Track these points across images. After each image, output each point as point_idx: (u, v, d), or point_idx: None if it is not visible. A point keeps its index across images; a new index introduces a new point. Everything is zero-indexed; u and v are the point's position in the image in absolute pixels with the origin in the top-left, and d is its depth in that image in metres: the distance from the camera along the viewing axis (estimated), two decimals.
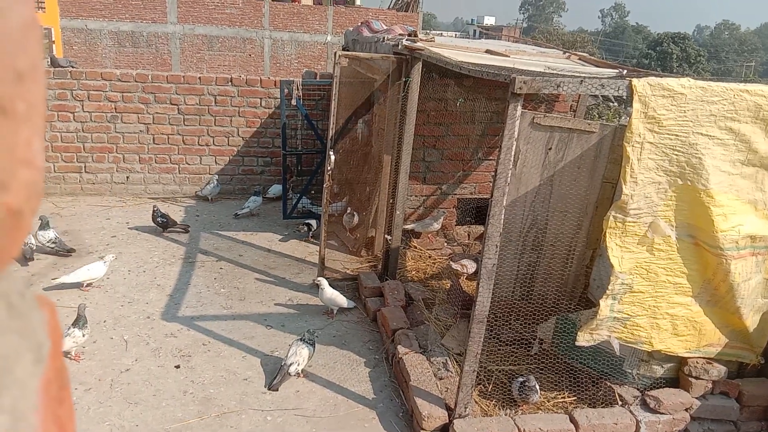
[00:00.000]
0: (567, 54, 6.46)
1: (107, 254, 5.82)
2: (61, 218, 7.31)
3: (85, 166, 8.20)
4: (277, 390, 4.34)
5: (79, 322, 4.44)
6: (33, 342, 0.27)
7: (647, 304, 3.94)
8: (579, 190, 4.75)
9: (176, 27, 21.79)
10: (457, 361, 4.56)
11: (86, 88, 7.94)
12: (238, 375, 4.52)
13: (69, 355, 4.47)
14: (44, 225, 6.13)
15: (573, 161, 4.71)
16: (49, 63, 8.87)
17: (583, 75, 4.10)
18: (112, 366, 4.50)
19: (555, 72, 4.51)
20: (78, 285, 5.54)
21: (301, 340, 4.50)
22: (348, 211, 6.93)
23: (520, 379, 4.13)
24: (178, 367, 4.56)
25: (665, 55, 48.80)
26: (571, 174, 4.74)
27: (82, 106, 7.98)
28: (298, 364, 4.39)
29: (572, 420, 3.91)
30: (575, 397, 4.28)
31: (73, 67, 8.43)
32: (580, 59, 6.09)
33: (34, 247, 6.07)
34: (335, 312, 5.44)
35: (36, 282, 5.59)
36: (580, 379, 4.37)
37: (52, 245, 6.15)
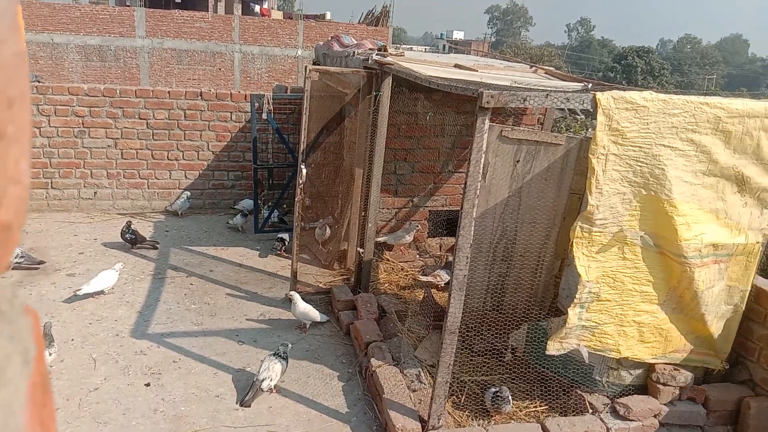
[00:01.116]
0: (534, 68, 6.59)
1: (117, 263, 5.97)
2: (27, 235, 7.16)
3: (51, 182, 8.07)
4: (249, 406, 4.30)
5: (45, 340, 4.36)
6: (21, 346, 0.29)
7: (614, 312, 4.02)
8: (547, 201, 4.83)
9: (145, 41, 21.61)
10: (430, 373, 4.58)
11: (53, 103, 7.83)
12: (209, 392, 4.47)
13: None
14: None
15: (541, 173, 4.80)
16: None
17: (549, 89, 4.20)
18: (81, 385, 4.41)
19: (522, 86, 4.60)
20: (95, 294, 5.69)
21: (273, 354, 4.47)
22: (320, 225, 6.93)
23: (493, 390, 4.17)
24: (148, 385, 4.49)
25: (630, 68, 50.00)
26: (539, 185, 4.83)
27: (49, 121, 7.86)
28: (271, 380, 4.36)
29: (544, 429, 3.96)
30: (547, 406, 4.33)
31: (39, 81, 8.31)
32: (546, 73, 6.22)
33: None
34: (308, 326, 5.42)
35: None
36: (552, 387, 4.43)
37: (21, 260, 6.05)
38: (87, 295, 5.64)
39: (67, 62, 20.98)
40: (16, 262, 6.04)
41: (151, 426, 4.05)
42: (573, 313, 3.96)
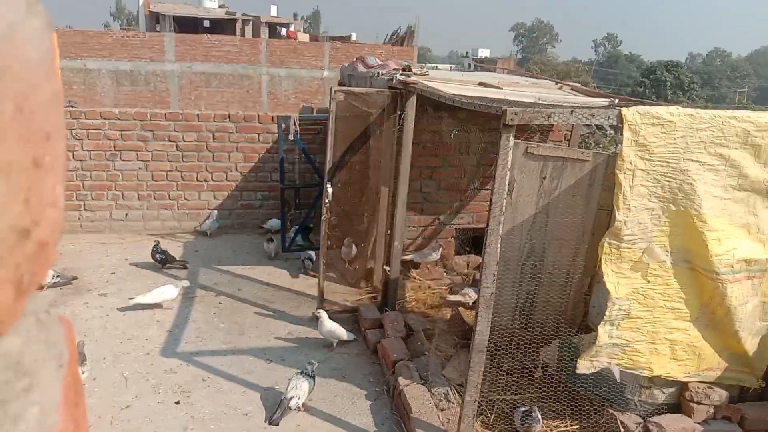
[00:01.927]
0: (559, 84, 6.58)
1: (182, 281, 6.21)
2: (61, 256, 7.34)
3: (84, 204, 8.27)
4: (277, 424, 4.32)
5: (78, 359, 4.44)
6: (56, 351, 0.32)
7: (645, 330, 3.95)
8: (575, 217, 4.80)
9: (174, 65, 22.11)
10: (458, 392, 4.55)
11: (85, 127, 8.05)
12: (238, 410, 4.50)
13: None
14: None
15: (568, 189, 4.78)
16: None
17: (575, 105, 4.19)
18: (112, 403, 4.48)
19: (547, 103, 4.60)
20: (153, 306, 5.92)
21: (301, 373, 4.49)
22: (346, 243, 6.97)
23: (522, 409, 4.12)
24: (178, 403, 4.55)
25: (659, 82, 49.43)
26: (567, 202, 4.80)
27: (82, 144, 8.08)
28: (299, 398, 4.38)
29: None
30: (578, 426, 4.26)
31: (72, 106, 8.56)
32: (572, 89, 6.20)
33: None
34: (335, 345, 5.44)
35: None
36: (582, 406, 4.36)
37: (57, 279, 6.25)
38: (141, 306, 5.90)
39: (99, 87, 21.56)
40: (53, 282, 6.23)
41: None
42: (603, 331, 3.90)
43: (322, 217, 5.82)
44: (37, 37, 0.26)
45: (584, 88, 6.50)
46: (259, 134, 8.50)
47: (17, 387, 0.28)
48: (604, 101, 5.25)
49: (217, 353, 5.30)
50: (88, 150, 8.12)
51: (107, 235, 8.26)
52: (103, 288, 6.51)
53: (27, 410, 0.28)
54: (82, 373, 4.45)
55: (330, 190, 5.77)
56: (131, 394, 4.62)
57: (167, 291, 5.98)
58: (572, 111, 3.64)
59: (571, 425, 4.28)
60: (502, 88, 5.67)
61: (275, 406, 4.46)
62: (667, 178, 3.72)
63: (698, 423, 4.13)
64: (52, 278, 6.24)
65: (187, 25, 29.77)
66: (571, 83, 6.86)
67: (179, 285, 6.07)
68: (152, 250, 7.00)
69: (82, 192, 8.23)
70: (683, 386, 4.23)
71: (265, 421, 4.36)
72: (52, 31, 0.28)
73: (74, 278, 6.51)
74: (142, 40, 21.79)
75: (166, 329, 5.67)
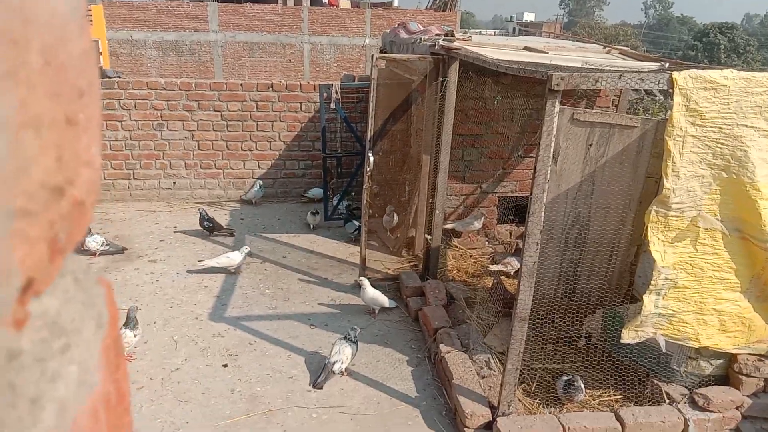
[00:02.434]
0: (607, 48, 6.36)
1: (244, 246, 6.36)
2: (112, 223, 7.58)
3: (133, 173, 8.48)
4: (321, 388, 4.41)
5: (130, 323, 4.60)
6: (94, 311, 0.32)
7: (693, 300, 3.86)
8: (622, 185, 4.68)
9: (218, 35, 22.24)
10: (499, 360, 4.55)
11: (133, 98, 8.21)
12: (283, 373, 4.61)
13: None
14: (88, 232, 6.41)
15: (615, 156, 4.65)
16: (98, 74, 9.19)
17: (623, 69, 4.05)
18: (163, 365, 4.65)
19: (593, 67, 4.46)
20: (222, 270, 6.19)
21: (344, 338, 4.57)
22: (388, 212, 6.98)
23: (565, 378, 4.10)
24: (225, 366, 4.69)
25: (712, 46, 47.24)
26: (614, 169, 4.68)
27: (129, 114, 8.25)
28: (342, 363, 4.46)
29: (618, 418, 3.87)
30: (621, 395, 4.22)
31: (120, 77, 8.72)
32: (620, 53, 5.99)
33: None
34: (377, 311, 5.49)
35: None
36: (626, 376, 4.31)
37: (106, 247, 6.45)
38: (209, 268, 6.16)
39: (145, 58, 21.88)
40: (102, 249, 6.44)
41: (229, 405, 4.23)
42: (649, 301, 3.83)
43: (364, 186, 5.83)
44: None
45: (633, 51, 6.27)
46: (301, 103, 8.52)
47: (54, 346, 0.28)
48: (654, 65, 5.05)
49: (262, 318, 5.42)
50: (135, 120, 8.29)
51: (156, 203, 8.48)
52: (152, 254, 6.71)
53: (65, 369, 0.29)
54: (134, 336, 4.62)
55: (371, 158, 5.76)
56: (181, 356, 4.78)
57: (233, 256, 6.17)
58: (621, 75, 3.51)
59: (615, 395, 4.25)
60: (547, 53, 5.51)
61: (319, 370, 4.55)
62: (720, 145, 3.58)
63: (747, 396, 4.04)
64: (102, 245, 6.44)
65: None
66: (620, 47, 6.62)
67: (243, 251, 6.21)
68: (200, 218, 7.15)
69: (131, 161, 8.44)
70: (732, 358, 4.13)
71: (310, 385, 4.46)
72: None
73: (124, 249, 6.71)
74: (186, 10, 21.94)
75: (214, 294, 5.82)
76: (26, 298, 0.26)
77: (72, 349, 0.29)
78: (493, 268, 6.02)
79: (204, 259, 6.26)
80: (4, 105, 0.23)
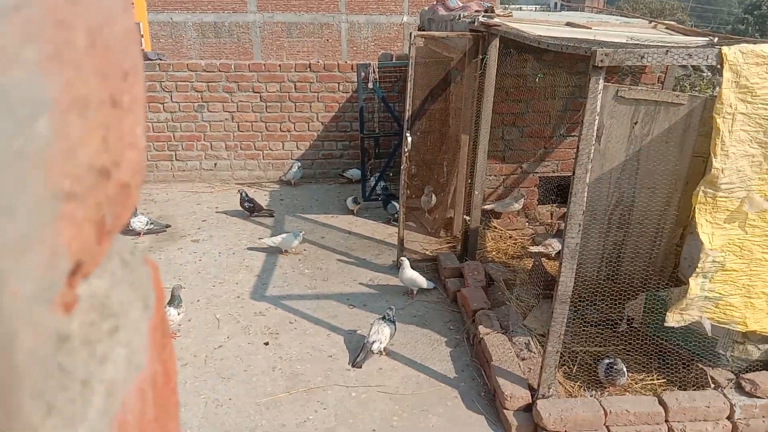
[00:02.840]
0: (653, 23, 6.15)
1: (299, 229, 6.49)
2: (155, 204, 7.75)
3: (175, 154, 8.64)
4: (360, 367, 4.46)
5: (174, 301, 4.72)
6: (141, 292, 0.33)
7: (741, 283, 3.74)
8: (667, 165, 4.55)
9: (256, 15, 22.32)
10: (540, 342, 4.52)
11: (174, 80, 8.33)
12: (323, 352, 4.67)
13: None
14: (133, 213, 6.59)
15: (661, 135, 4.52)
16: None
17: (669, 45, 3.91)
18: (206, 343, 4.77)
19: (639, 43, 4.32)
20: (276, 250, 6.34)
21: (382, 318, 4.59)
22: (426, 192, 6.95)
23: (607, 361, 4.04)
24: (266, 344, 4.77)
25: (764, 18, 45.18)
26: (659, 148, 4.55)
27: (171, 96, 8.38)
28: (381, 342, 4.49)
29: (661, 402, 3.80)
30: (665, 380, 4.15)
31: (161, 59, 8.85)
32: (667, 28, 5.79)
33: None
34: (415, 292, 5.50)
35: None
36: (670, 360, 4.23)
37: (150, 226, 6.62)
38: (267, 247, 6.34)
39: (185, 39, 22.13)
40: (147, 229, 6.61)
41: (270, 382, 4.31)
42: (695, 284, 3.73)
43: (402, 167, 5.81)
44: None
45: (680, 26, 6.05)
46: (339, 83, 8.51)
47: (103, 328, 0.28)
48: (702, 40, 4.86)
49: (302, 297, 5.49)
50: (177, 102, 8.42)
51: (197, 184, 8.63)
52: (195, 234, 6.84)
53: (114, 351, 0.29)
54: (178, 314, 4.74)
55: (409, 138, 5.73)
56: (223, 334, 4.89)
57: (289, 238, 6.27)
58: (667, 51, 3.39)
59: (658, 379, 4.17)
60: (591, 28, 5.36)
61: (358, 349, 4.60)
62: None
63: None
64: (146, 225, 6.61)
65: None
66: (666, 21, 6.39)
67: (299, 234, 6.30)
68: (240, 199, 7.25)
69: (173, 143, 8.59)
70: None
71: (349, 364, 4.51)
72: None
73: (168, 226, 6.87)
74: None
75: (255, 274, 5.92)
76: (75, 280, 0.26)
77: (120, 330, 0.29)
78: (533, 249, 5.95)
79: (263, 238, 6.44)
80: (51, 86, 0.23)
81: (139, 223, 6.56)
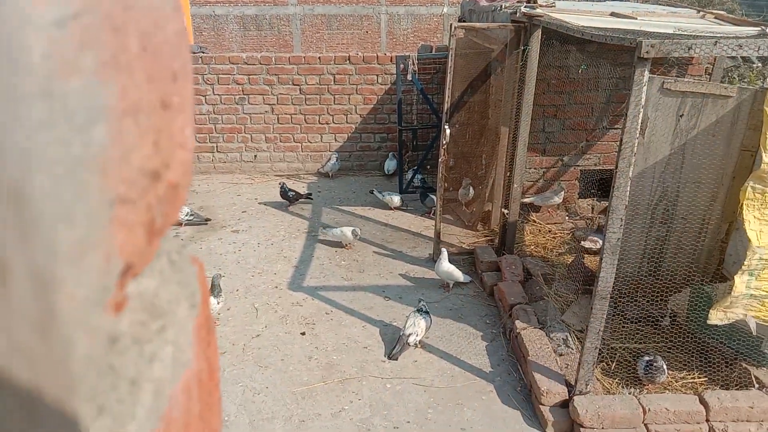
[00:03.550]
0: (701, 13, 5.96)
1: (356, 226, 6.44)
2: (197, 195, 7.89)
3: (216, 146, 8.77)
4: (396, 359, 4.47)
5: (214, 290, 4.81)
6: (188, 291, 0.33)
7: None
8: (714, 159, 4.42)
9: (296, 8, 22.43)
10: (578, 338, 4.46)
11: (216, 72, 8.45)
12: (358, 343, 4.70)
13: None
14: None
15: (707, 128, 4.39)
16: None
17: (719, 35, 3.78)
18: (245, 332, 4.85)
19: (686, 33, 4.19)
20: (336, 243, 6.38)
21: (418, 311, 4.59)
22: (464, 185, 6.90)
23: (647, 359, 3.96)
24: (303, 333, 4.83)
25: None
26: (706, 142, 4.42)
27: (213, 89, 8.51)
28: (417, 335, 4.49)
29: (702, 401, 3.71)
30: (706, 378, 4.05)
31: (204, 52, 8.98)
32: (716, 18, 5.60)
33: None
34: (451, 285, 5.48)
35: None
36: (712, 359, 4.12)
37: (190, 217, 6.73)
38: (327, 240, 6.41)
39: (227, 32, 22.39)
40: (187, 220, 6.74)
41: (306, 372, 4.36)
42: (740, 281, 3.62)
43: (440, 159, 5.78)
44: None
45: (730, 16, 5.84)
46: (377, 75, 8.51)
47: (152, 327, 0.29)
48: (752, 30, 4.69)
49: (338, 289, 5.53)
50: (218, 94, 8.54)
51: (237, 175, 8.75)
52: (235, 225, 6.95)
53: (162, 350, 0.30)
54: (218, 303, 4.83)
55: (448, 131, 5.69)
56: (261, 324, 4.96)
57: (347, 232, 6.27)
58: (716, 42, 3.28)
59: (699, 377, 4.07)
60: (636, 19, 5.23)
61: (394, 341, 4.61)
62: None
63: None
64: (186, 215, 6.73)
65: None
66: (715, 11, 6.19)
67: (357, 231, 6.30)
68: (282, 190, 7.31)
69: (214, 135, 8.72)
70: None
71: (385, 356, 4.53)
72: None
73: (208, 220, 6.97)
74: None
75: (293, 264, 5.98)
76: (125, 281, 0.26)
77: (168, 329, 0.30)
78: (586, 244, 5.88)
79: (324, 230, 6.46)
80: (107, 93, 0.24)
81: (180, 213, 6.71)
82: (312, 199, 7.54)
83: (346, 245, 6.38)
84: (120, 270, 0.25)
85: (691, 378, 4.08)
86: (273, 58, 8.51)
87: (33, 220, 0.21)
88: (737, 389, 3.86)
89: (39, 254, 0.21)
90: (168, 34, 0.28)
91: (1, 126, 0.20)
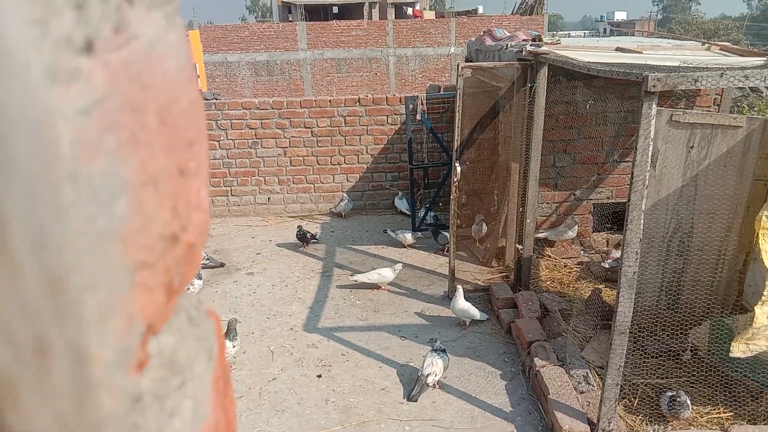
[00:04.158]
0: (706, 45, 6.02)
1: (398, 263, 6.40)
2: (212, 238, 7.96)
3: (231, 190, 8.88)
4: (416, 401, 4.40)
5: (230, 334, 4.81)
6: (206, 345, 0.34)
7: None
8: (727, 189, 4.40)
9: (306, 53, 22.93)
10: (598, 374, 4.38)
11: (229, 118, 8.61)
12: (375, 385, 4.65)
13: None
14: None
15: (719, 159, 4.38)
16: None
17: (725, 66, 3.82)
18: (260, 375, 4.81)
19: (692, 66, 4.23)
20: (371, 286, 6.23)
21: (434, 350, 4.54)
22: (477, 221, 6.90)
23: (669, 394, 3.88)
24: (319, 376, 4.79)
25: None
26: (718, 172, 4.41)
27: (226, 134, 8.66)
28: (436, 375, 4.43)
29: None
30: (732, 413, 3.95)
31: (216, 99, 9.17)
32: (721, 49, 5.65)
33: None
34: (468, 324, 5.43)
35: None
36: (737, 392, 4.03)
37: (206, 261, 6.76)
38: (360, 283, 6.19)
39: (239, 78, 22.89)
40: (203, 264, 6.77)
41: (323, 415, 4.31)
42: (761, 312, 3.56)
43: (452, 196, 5.80)
44: (175, 49, 0.28)
45: (735, 47, 5.89)
46: (387, 116, 8.63)
47: (172, 383, 0.30)
48: (759, 60, 4.73)
49: (354, 329, 5.50)
50: (232, 139, 8.69)
51: (252, 218, 8.82)
52: (249, 267, 6.98)
53: (181, 404, 0.31)
54: (233, 347, 4.82)
55: (458, 168, 5.73)
56: (277, 366, 4.93)
57: (385, 272, 6.17)
58: (722, 73, 3.31)
59: (725, 412, 3.97)
60: (642, 53, 5.29)
61: (411, 382, 4.55)
62: None
63: None
64: (203, 260, 6.78)
65: (317, 12, 30.72)
66: (720, 42, 6.24)
67: (396, 268, 6.22)
68: (300, 233, 7.36)
69: (228, 179, 8.84)
70: None
71: (404, 397, 4.47)
72: (188, 40, 0.30)
73: (222, 264, 7.00)
74: (276, 30, 22.79)
75: (307, 306, 5.97)
76: (146, 340, 0.28)
77: (187, 384, 0.31)
78: (605, 264, 5.97)
79: (355, 275, 6.26)
80: (127, 169, 0.25)
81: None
82: (318, 240, 7.60)
83: (383, 287, 6.28)
84: (142, 331, 0.27)
85: (717, 413, 3.98)
86: (285, 102, 8.67)
87: (64, 294, 0.22)
88: (765, 424, 3.75)
89: (71, 326, 0.23)
90: (183, 105, 0.29)
91: (40, 211, 0.22)
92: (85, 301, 0.23)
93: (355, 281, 6.16)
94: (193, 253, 0.32)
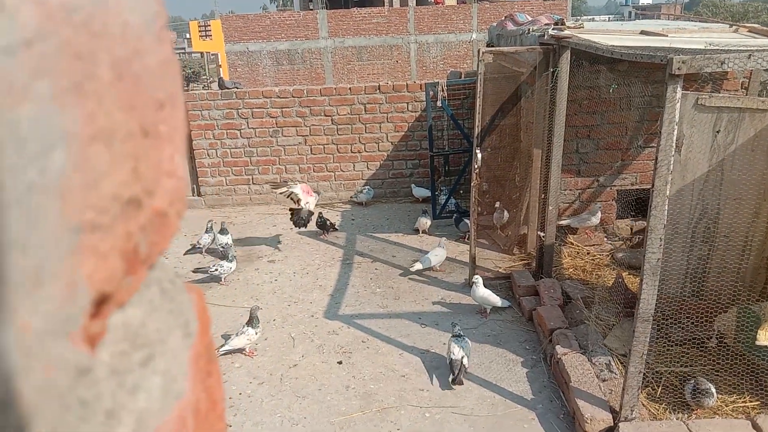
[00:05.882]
0: (734, 27, 5.86)
1: (441, 239, 6.48)
2: (234, 226, 8.01)
3: (252, 178, 8.92)
4: (462, 383, 4.35)
5: (252, 321, 4.85)
6: (182, 320, 0.33)
7: None
8: (754, 174, 4.30)
9: (327, 41, 22.88)
10: (621, 362, 4.33)
11: (250, 107, 8.64)
12: (396, 371, 4.65)
13: (244, 352, 4.90)
14: (224, 230, 6.86)
15: (746, 143, 4.28)
16: (218, 85, 9.77)
17: (752, 48, 3.71)
18: (282, 361, 4.85)
19: (719, 48, 4.12)
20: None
21: (456, 336, 4.51)
22: (498, 208, 6.85)
23: (693, 382, 3.82)
24: (340, 363, 4.81)
25: None
26: (745, 157, 4.30)
27: (247, 123, 8.69)
28: (467, 357, 4.41)
29: (755, 426, 3.55)
30: (758, 402, 3.87)
31: (237, 87, 9.19)
32: (749, 31, 5.50)
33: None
34: (489, 311, 5.40)
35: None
36: (764, 381, 3.95)
37: (222, 248, 6.77)
38: (420, 271, 6.19)
39: (260, 67, 22.93)
40: (220, 249, 6.81)
41: (344, 401, 4.33)
42: None
43: (472, 184, 5.76)
44: (138, 3, 0.27)
45: (764, 28, 5.73)
46: (408, 103, 8.58)
47: (134, 358, 0.29)
48: None
49: (374, 316, 5.51)
50: (253, 128, 8.72)
51: (273, 206, 8.86)
52: (271, 255, 7.02)
53: (147, 381, 0.29)
54: (255, 334, 4.86)
55: (479, 155, 5.68)
56: (298, 353, 4.96)
57: (439, 252, 6.21)
58: (750, 55, 3.22)
59: (751, 401, 3.90)
60: (667, 36, 5.17)
61: (432, 369, 4.55)
62: None
63: None
64: (220, 245, 6.81)
65: (337, 0, 30.57)
66: (748, 24, 6.07)
67: (442, 243, 6.27)
68: (319, 221, 7.37)
69: (250, 167, 8.88)
70: None
71: (450, 380, 4.37)
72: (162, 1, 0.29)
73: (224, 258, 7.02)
74: (297, 19, 22.76)
75: (328, 293, 5.99)
76: (105, 311, 0.26)
77: (156, 359, 0.30)
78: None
79: (414, 264, 6.20)
80: (68, 119, 0.24)
81: (220, 239, 6.80)
82: (337, 228, 7.61)
83: (437, 268, 6.29)
84: (90, 300, 0.25)
85: (742, 401, 3.91)
86: (305, 91, 8.67)
87: None
88: None
89: None
90: (150, 63, 0.28)
91: None
92: (12, 261, 0.22)
93: (417, 270, 6.13)
94: (165, 221, 0.30)
